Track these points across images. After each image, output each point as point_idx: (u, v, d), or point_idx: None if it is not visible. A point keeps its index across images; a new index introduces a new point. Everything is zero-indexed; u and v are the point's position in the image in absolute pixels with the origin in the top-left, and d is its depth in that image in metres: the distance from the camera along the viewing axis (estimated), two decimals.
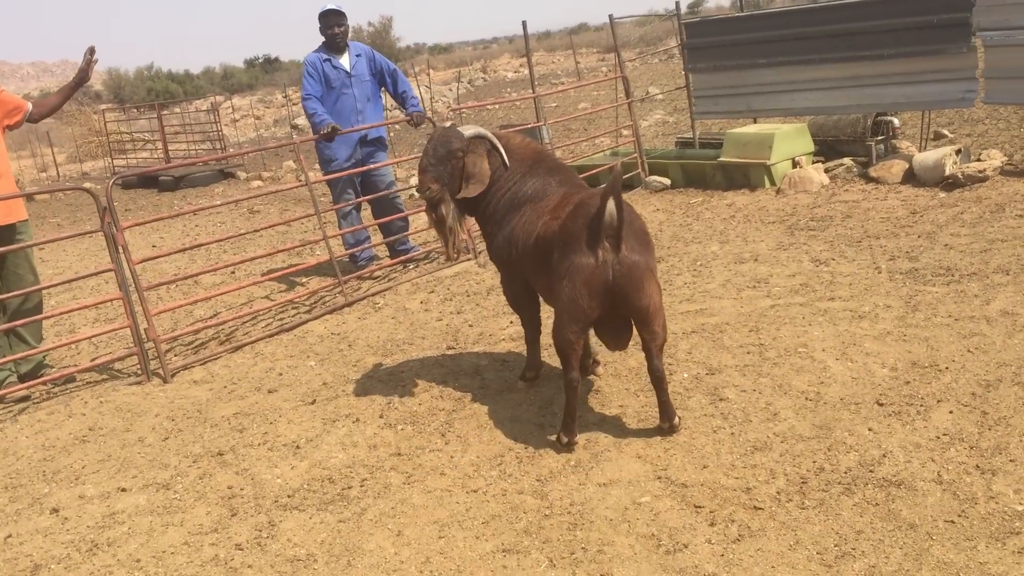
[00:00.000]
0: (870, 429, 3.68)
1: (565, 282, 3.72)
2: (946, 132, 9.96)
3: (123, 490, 4.09)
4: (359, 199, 7.63)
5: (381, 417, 4.57)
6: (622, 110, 12.63)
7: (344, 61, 7.46)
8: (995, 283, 5.14)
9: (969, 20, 7.81)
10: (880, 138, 8.98)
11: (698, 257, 6.72)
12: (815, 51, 9.02)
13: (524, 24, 12.04)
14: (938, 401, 3.83)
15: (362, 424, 4.51)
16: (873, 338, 4.59)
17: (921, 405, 3.82)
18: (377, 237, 8.00)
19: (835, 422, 3.79)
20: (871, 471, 3.37)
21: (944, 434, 3.56)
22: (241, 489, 3.98)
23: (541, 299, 4.49)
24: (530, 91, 12.40)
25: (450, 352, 5.41)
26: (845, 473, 3.39)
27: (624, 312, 3.78)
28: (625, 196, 3.70)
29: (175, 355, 6.21)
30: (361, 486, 3.87)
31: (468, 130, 4.37)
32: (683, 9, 11.01)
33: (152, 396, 5.41)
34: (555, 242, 3.90)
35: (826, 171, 8.79)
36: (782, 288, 5.64)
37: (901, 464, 3.39)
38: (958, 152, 8.00)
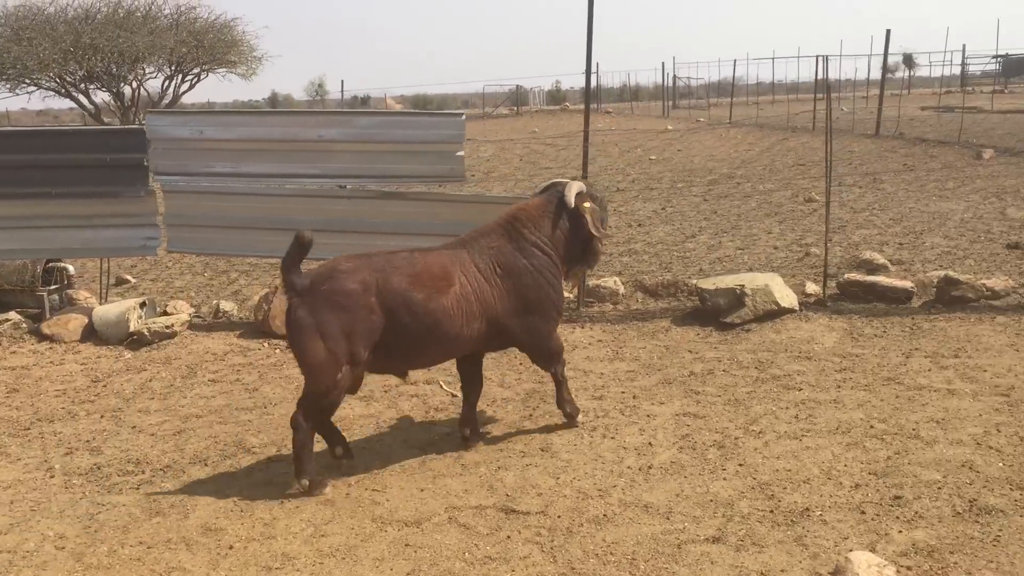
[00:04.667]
0: None
1: None
2: (130, 278, 9.19)
3: None
4: None
5: None
6: None
7: None
8: (193, 478, 4.34)
9: (146, 162, 7.20)
10: (54, 287, 7.73)
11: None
12: None
13: None
14: None
15: None
16: None
17: None
18: None
19: None
20: None
21: None
22: None
23: None
24: None
25: None
26: None
27: None
28: None
29: None
30: None
31: None
32: None
33: None
34: None
35: None
36: None
37: None
38: (143, 305, 7.25)
